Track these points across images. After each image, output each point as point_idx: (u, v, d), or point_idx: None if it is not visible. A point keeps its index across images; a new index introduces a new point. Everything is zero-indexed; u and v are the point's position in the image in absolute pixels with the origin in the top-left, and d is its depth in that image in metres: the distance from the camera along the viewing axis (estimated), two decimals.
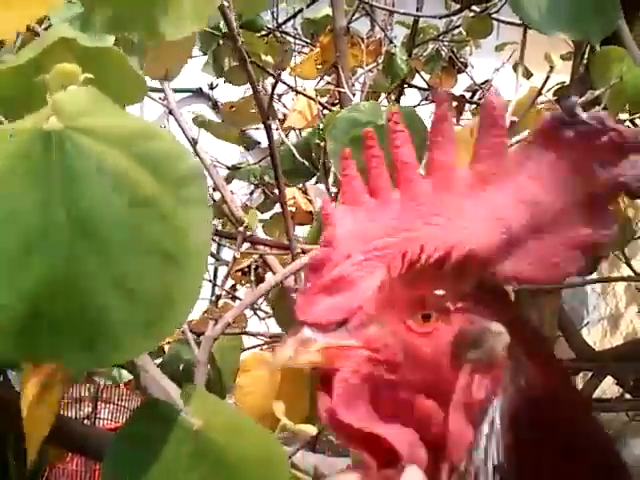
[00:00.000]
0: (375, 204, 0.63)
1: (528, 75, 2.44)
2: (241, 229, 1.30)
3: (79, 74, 0.88)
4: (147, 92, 1.01)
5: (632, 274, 2.01)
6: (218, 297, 1.25)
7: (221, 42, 2.27)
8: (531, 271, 0.61)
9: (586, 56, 1.79)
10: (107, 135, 0.74)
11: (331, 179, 1.96)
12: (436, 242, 0.59)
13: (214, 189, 1.86)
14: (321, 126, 1.93)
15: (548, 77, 1.23)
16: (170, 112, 1.72)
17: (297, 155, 2.01)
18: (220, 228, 2.27)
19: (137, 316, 0.70)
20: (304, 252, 1.40)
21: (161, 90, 1.81)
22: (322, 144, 1.61)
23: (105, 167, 0.72)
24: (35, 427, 1.00)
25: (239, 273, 2.32)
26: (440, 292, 0.59)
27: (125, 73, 0.98)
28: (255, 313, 2.32)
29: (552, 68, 1.22)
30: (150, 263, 0.71)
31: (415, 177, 0.63)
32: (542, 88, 1.36)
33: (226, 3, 1.23)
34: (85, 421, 2.25)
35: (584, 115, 0.59)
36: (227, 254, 2.67)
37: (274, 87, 1.47)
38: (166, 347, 2.05)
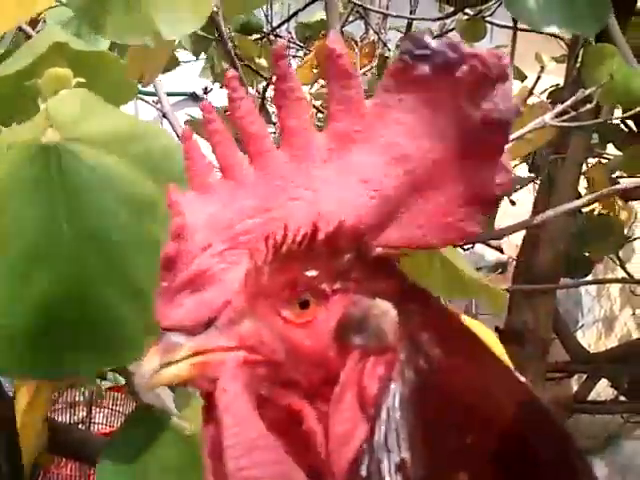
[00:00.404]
0: (229, 185, 0.55)
1: (522, 77, 2.44)
2: None
3: (71, 78, 0.88)
4: (137, 94, 1.01)
5: (626, 276, 2.02)
6: None
7: (214, 46, 2.26)
8: (423, 235, 0.53)
9: (579, 59, 1.81)
10: (103, 140, 0.74)
11: None
12: (303, 218, 0.52)
13: None
14: None
15: (539, 77, 1.23)
16: (164, 115, 1.72)
17: None
18: None
19: (148, 314, 0.70)
20: None
21: (155, 94, 1.82)
22: None
23: (106, 176, 0.72)
24: (29, 431, 1.00)
25: None
26: (312, 273, 0.51)
27: (117, 76, 0.98)
28: None
29: (543, 68, 1.22)
30: (152, 264, 0.71)
31: (268, 148, 0.54)
32: (533, 88, 1.36)
33: (215, 9, 1.23)
34: (80, 426, 2.24)
35: (434, 44, 0.50)
36: None
37: (265, 90, 1.47)
38: None
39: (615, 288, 3.85)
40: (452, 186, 0.52)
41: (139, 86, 1.91)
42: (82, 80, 0.89)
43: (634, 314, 3.72)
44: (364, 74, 2.20)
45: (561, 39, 2.59)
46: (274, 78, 0.55)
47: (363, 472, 0.49)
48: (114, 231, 0.71)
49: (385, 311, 0.52)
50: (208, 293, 0.52)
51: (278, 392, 0.51)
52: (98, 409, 2.37)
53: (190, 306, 0.52)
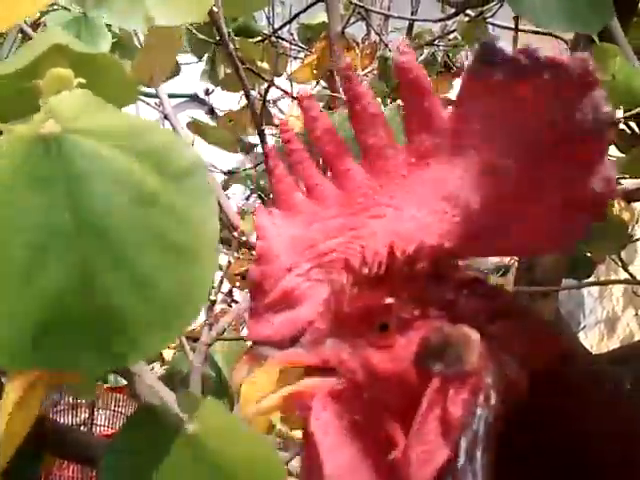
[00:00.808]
0: (312, 204, 0.56)
1: None
2: (236, 234, 1.30)
3: (72, 79, 0.88)
4: (138, 97, 1.01)
5: (629, 277, 2.01)
6: (213, 302, 1.25)
7: (216, 48, 2.27)
8: (532, 243, 0.51)
9: None
10: (106, 134, 0.74)
11: None
12: (385, 238, 0.52)
13: None
14: None
15: None
16: (165, 117, 1.72)
17: None
18: None
19: (154, 313, 0.69)
20: None
21: (157, 96, 1.82)
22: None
23: (107, 167, 0.72)
24: (14, 430, 0.99)
25: (239, 277, 2.32)
26: (391, 300, 0.51)
27: (118, 78, 0.98)
28: None
29: None
30: (164, 258, 0.70)
31: (349, 167, 0.55)
32: None
33: (215, 9, 1.23)
34: (82, 427, 2.24)
35: (506, 51, 0.48)
36: (224, 260, 2.67)
37: (266, 92, 1.48)
38: (165, 353, 2.05)
39: (617, 289, 3.85)
40: (550, 195, 0.49)
41: (141, 88, 1.92)
42: (83, 81, 0.89)
43: (637, 315, 3.71)
44: (365, 75, 2.20)
45: (562, 40, 2.59)
46: (346, 97, 0.55)
47: None
48: (119, 223, 0.70)
49: (467, 336, 0.51)
50: (294, 312, 0.54)
51: (371, 415, 0.52)
52: (100, 410, 2.37)
53: (278, 323, 0.55)
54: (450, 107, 0.52)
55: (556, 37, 2.62)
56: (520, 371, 0.50)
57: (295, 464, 1.40)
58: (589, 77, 0.47)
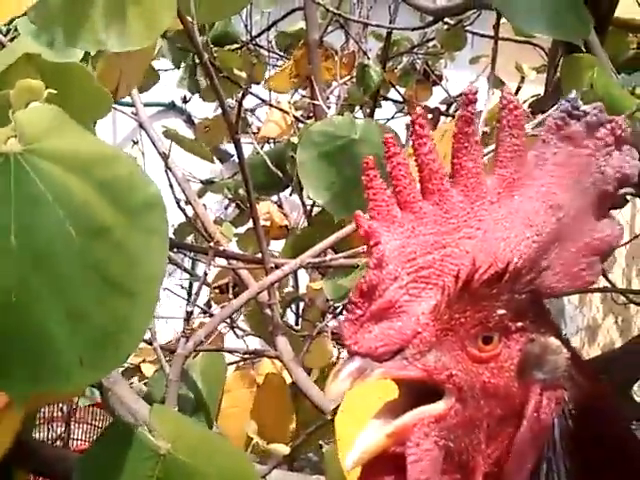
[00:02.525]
0: (408, 218, 0.59)
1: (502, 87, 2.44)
2: (212, 244, 1.28)
3: (43, 90, 0.86)
4: (112, 107, 0.99)
5: (608, 285, 2.01)
6: (190, 313, 1.23)
7: (194, 57, 2.25)
8: (557, 282, 0.58)
9: (559, 68, 1.80)
10: (67, 159, 0.72)
11: (305, 192, 1.95)
12: (480, 257, 0.56)
13: (187, 203, 1.84)
14: (295, 140, 1.92)
15: (519, 87, 1.22)
16: (140, 125, 1.70)
17: (271, 166, 1.99)
18: (195, 244, 2.25)
19: (86, 347, 0.69)
20: (277, 267, 1.38)
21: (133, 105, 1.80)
22: (296, 156, 1.60)
23: (62, 194, 0.70)
24: None
25: (217, 291, 2.29)
26: (502, 311, 0.55)
27: (89, 88, 0.96)
28: (232, 330, 2.29)
29: (523, 78, 1.21)
30: (102, 294, 0.70)
31: (446, 187, 0.59)
32: (515, 94, 1.35)
33: (189, 18, 1.22)
34: (57, 442, 2.20)
35: (587, 107, 0.58)
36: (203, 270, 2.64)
37: (241, 99, 1.46)
38: (143, 367, 2.02)
39: (597, 297, 3.86)
40: (580, 236, 0.58)
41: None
42: (54, 91, 0.87)
43: (617, 322, 3.73)
44: (344, 83, 2.19)
45: (541, 49, 2.60)
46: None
47: None
48: (63, 253, 0.69)
49: (559, 348, 0.57)
50: (396, 323, 0.55)
51: (463, 443, 0.55)
52: (77, 425, 2.33)
53: (379, 335, 0.55)
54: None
55: (535, 45, 2.63)
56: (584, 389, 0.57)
57: (276, 476, 1.39)
58: (626, 133, 0.58)
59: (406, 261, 0.57)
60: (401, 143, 0.60)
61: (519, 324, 0.56)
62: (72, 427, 2.28)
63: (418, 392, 0.56)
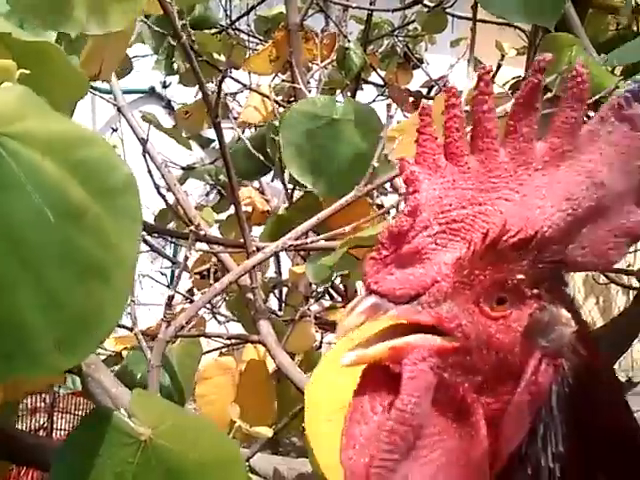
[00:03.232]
0: (451, 170, 0.60)
1: None
2: (192, 227, 1.27)
3: (15, 70, 0.84)
4: (91, 93, 0.98)
5: None
6: (171, 298, 1.22)
7: (172, 41, 2.22)
8: (584, 257, 0.59)
9: (539, 48, 1.80)
10: (41, 142, 0.71)
11: (287, 175, 1.93)
12: (512, 220, 0.57)
13: (168, 190, 1.82)
14: (277, 123, 1.90)
15: (500, 65, 1.21)
16: (119, 110, 1.68)
17: (252, 150, 1.98)
18: (177, 229, 2.23)
19: (61, 333, 0.67)
20: (259, 250, 1.37)
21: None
22: (277, 139, 1.58)
23: (37, 177, 0.69)
24: None
25: (198, 276, 2.28)
26: (520, 276, 0.57)
27: (64, 69, 0.94)
28: (214, 317, 2.28)
29: (503, 56, 1.21)
30: (77, 277, 0.68)
31: (494, 146, 0.60)
32: (494, 76, 1.35)
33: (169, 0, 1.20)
34: (40, 432, 2.18)
35: None
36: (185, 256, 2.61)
37: (221, 83, 1.44)
38: (124, 354, 2.01)
39: (579, 278, 3.88)
40: (616, 217, 0.59)
41: (98, 83, 1.87)
42: (27, 72, 0.85)
43: (598, 303, 3.75)
44: (325, 67, 2.17)
45: (522, 30, 2.59)
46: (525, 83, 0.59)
47: (529, 453, 0.56)
48: (35, 234, 0.67)
49: (568, 320, 0.58)
50: (418, 270, 0.57)
51: (458, 380, 0.57)
52: (60, 415, 2.31)
53: (400, 278, 0.56)
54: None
55: (515, 27, 2.62)
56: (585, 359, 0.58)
57: (259, 460, 1.38)
58: None
59: (440, 212, 0.59)
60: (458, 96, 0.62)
61: (535, 291, 0.57)
62: (55, 417, 2.27)
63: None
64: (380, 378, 0.57)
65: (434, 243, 0.58)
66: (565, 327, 0.58)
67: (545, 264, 0.57)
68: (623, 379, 3.44)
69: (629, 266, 2.80)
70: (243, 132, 2.30)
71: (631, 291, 2.84)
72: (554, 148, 0.60)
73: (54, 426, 2.24)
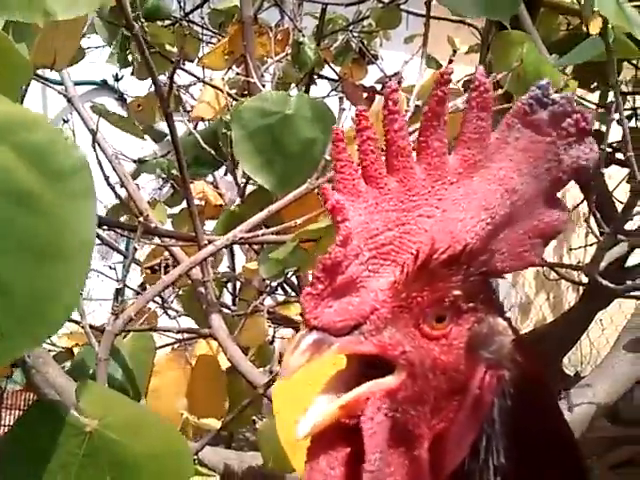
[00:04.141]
0: (373, 194, 0.59)
1: (437, 66, 2.46)
2: (141, 219, 1.25)
3: None
4: (32, 76, 0.96)
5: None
6: (118, 290, 1.20)
7: (125, 33, 2.19)
8: (502, 262, 0.60)
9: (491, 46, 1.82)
10: None
11: (240, 170, 1.93)
12: (438, 237, 0.57)
13: (121, 185, 1.80)
14: (228, 117, 1.89)
15: (451, 60, 1.23)
16: (69, 100, 1.65)
17: (204, 145, 1.96)
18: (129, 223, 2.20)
19: (11, 321, 0.66)
20: (210, 243, 1.36)
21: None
22: (230, 134, 1.57)
23: None
24: None
25: (149, 271, 2.25)
26: (457, 292, 0.57)
27: (8, 55, 0.93)
28: (165, 312, 2.26)
29: (455, 52, 1.22)
30: (27, 263, 0.67)
31: (411, 165, 0.60)
32: (446, 71, 1.36)
33: None
34: None
35: (556, 96, 0.59)
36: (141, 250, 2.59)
37: (172, 74, 1.43)
38: (75, 350, 1.98)
39: (530, 275, 3.94)
40: (529, 220, 0.60)
41: (48, 74, 1.84)
42: None
43: (548, 299, 3.82)
44: (279, 61, 2.17)
45: (475, 28, 2.62)
46: (431, 97, 0.60)
47: (472, 467, 0.57)
48: None
49: (505, 328, 0.59)
50: (355, 299, 0.56)
51: (407, 416, 0.56)
52: (8, 411, 2.28)
53: (339, 309, 0.56)
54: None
55: (469, 25, 2.64)
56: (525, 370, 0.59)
57: (208, 453, 1.37)
58: (590, 126, 0.59)
59: (368, 237, 0.58)
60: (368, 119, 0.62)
61: (471, 304, 0.58)
62: (3, 413, 2.23)
63: (366, 365, 0.57)
64: (330, 433, 0.56)
65: (367, 270, 0.57)
66: (504, 336, 0.59)
67: (476, 276, 0.58)
68: (572, 373, 3.50)
69: (579, 262, 2.85)
70: (196, 126, 2.28)
71: (581, 287, 2.90)
72: (466, 160, 0.60)
73: (2, 422, 2.20)
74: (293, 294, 2.32)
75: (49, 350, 1.88)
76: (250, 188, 2.00)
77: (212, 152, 1.95)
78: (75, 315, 1.69)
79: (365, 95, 2.63)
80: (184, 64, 2.24)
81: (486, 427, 0.58)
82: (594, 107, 2.36)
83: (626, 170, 2.08)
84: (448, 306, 0.57)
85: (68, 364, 2.01)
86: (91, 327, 1.31)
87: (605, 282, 1.53)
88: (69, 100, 1.67)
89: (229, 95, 2.09)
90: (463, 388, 0.58)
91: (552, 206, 0.60)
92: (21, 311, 0.67)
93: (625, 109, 2.31)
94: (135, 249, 1.23)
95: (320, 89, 2.62)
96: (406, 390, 0.56)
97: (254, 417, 1.39)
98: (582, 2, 1.94)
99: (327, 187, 0.60)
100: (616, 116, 1.53)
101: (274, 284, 2.27)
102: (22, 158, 0.69)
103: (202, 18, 2.51)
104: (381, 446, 0.55)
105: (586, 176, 0.61)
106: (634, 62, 2.47)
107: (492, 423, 0.58)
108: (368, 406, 0.55)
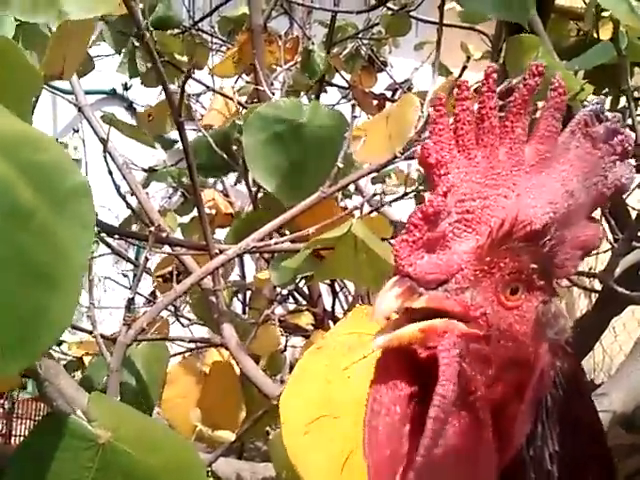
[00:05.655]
0: (463, 162, 0.62)
1: (447, 73, 2.45)
2: (152, 229, 1.25)
3: None
4: (42, 86, 0.95)
5: None
6: (131, 300, 1.19)
7: (135, 42, 2.19)
8: (563, 261, 0.61)
9: (503, 53, 1.81)
10: None
11: (251, 178, 1.92)
12: (514, 213, 0.59)
13: (132, 194, 1.80)
14: (240, 122, 1.88)
15: (465, 67, 1.22)
16: (79, 109, 1.65)
17: (215, 148, 1.95)
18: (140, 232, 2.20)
19: (5, 338, 0.65)
20: (221, 252, 1.35)
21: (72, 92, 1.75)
22: (242, 139, 1.56)
23: None
24: None
25: (160, 279, 2.25)
26: (534, 266, 0.58)
27: (19, 64, 0.92)
28: (178, 320, 2.25)
29: (469, 58, 1.21)
30: (23, 282, 0.66)
31: (497, 144, 0.62)
32: (459, 77, 1.35)
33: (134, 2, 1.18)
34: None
35: (609, 114, 0.62)
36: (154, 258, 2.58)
37: (184, 84, 1.42)
38: (85, 359, 1.97)
39: None
40: (574, 229, 0.62)
41: (59, 83, 1.83)
42: None
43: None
44: (289, 69, 2.16)
45: (485, 35, 2.60)
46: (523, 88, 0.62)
47: (531, 453, 0.58)
48: None
49: (566, 314, 0.61)
50: (443, 256, 0.58)
51: (473, 373, 0.57)
52: (20, 420, 2.27)
53: (430, 262, 0.57)
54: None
55: (479, 32, 2.63)
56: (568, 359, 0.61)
57: (221, 465, 1.36)
58: (630, 148, 0.63)
59: (457, 200, 0.60)
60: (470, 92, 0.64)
61: (542, 282, 0.59)
62: (14, 423, 2.22)
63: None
64: (397, 367, 0.58)
65: (452, 232, 0.59)
66: (566, 321, 0.61)
67: (548, 257, 0.59)
68: None
69: (591, 269, 2.83)
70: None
71: (593, 294, 2.87)
72: (539, 154, 0.62)
73: (13, 432, 2.20)
74: (304, 303, 2.31)
75: (59, 359, 1.88)
76: (262, 195, 1.99)
77: (224, 155, 1.93)
78: (86, 324, 1.68)
79: (375, 102, 2.62)
80: (194, 73, 2.23)
81: (542, 413, 0.59)
82: None
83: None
84: (524, 278, 0.59)
85: (78, 373, 2.01)
86: (102, 337, 1.31)
87: (620, 289, 1.51)
88: (79, 109, 1.66)
89: (239, 104, 2.08)
90: (529, 363, 0.59)
91: (590, 220, 0.63)
92: (15, 331, 0.66)
93: (638, 114, 2.29)
94: (146, 259, 1.22)
95: (330, 97, 2.61)
96: (477, 344, 0.57)
97: (267, 428, 1.38)
98: (587, 5, 1.93)
99: (427, 143, 0.62)
100: (629, 121, 1.52)
101: (285, 292, 2.26)
102: (26, 177, 0.68)
103: (212, 27, 2.51)
104: (455, 382, 0.56)
105: (621, 196, 0.64)
106: None
107: (546, 410, 0.59)
108: (446, 338, 0.56)
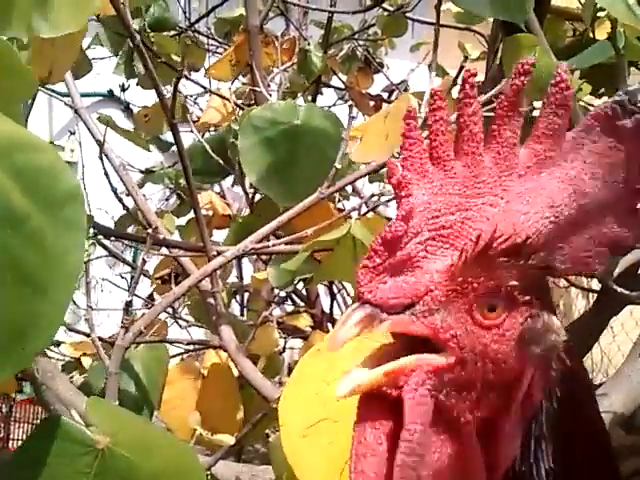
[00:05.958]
0: (438, 175, 0.59)
1: (444, 74, 2.45)
2: (150, 231, 1.24)
3: None
4: (37, 88, 0.95)
5: None
6: (129, 303, 1.19)
7: (130, 43, 2.18)
8: (564, 263, 0.58)
9: (499, 55, 1.81)
10: None
11: (247, 181, 1.91)
12: (500, 226, 0.56)
13: (128, 194, 1.79)
14: (236, 126, 1.88)
15: (462, 67, 1.21)
16: (76, 111, 1.64)
17: (211, 153, 1.94)
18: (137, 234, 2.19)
19: None
20: (219, 254, 1.34)
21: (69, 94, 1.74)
22: (237, 143, 1.56)
23: None
24: None
25: (159, 281, 2.24)
26: (514, 282, 0.56)
27: (13, 66, 0.92)
28: (176, 321, 2.24)
29: (466, 58, 1.20)
30: (14, 288, 0.65)
31: (480, 151, 0.59)
32: (457, 77, 1.35)
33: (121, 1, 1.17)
34: None
35: None
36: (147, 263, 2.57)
37: (177, 83, 1.41)
38: (83, 359, 1.97)
39: None
40: (598, 226, 0.58)
41: (55, 85, 1.83)
42: None
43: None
44: (285, 70, 2.16)
45: (482, 36, 2.60)
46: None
47: (524, 469, 0.56)
48: None
49: (559, 328, 0.58)
50: (410, 278, 0.56)
51: (453, 401, 0.55)
52: (17, 424, 2.26)
53: (393, 286, 0.55)
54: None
55: (475, 32, 2.63)
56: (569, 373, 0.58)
57: (221, 468, 1.36)
58: None
59: (429, 218, 0.58)
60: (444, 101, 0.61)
61: (526, 298, 0.57)
62: (12, 427, 2.21)
63: (409, 349, 0.56)
64: (378, 405, 0.56)
65: (425, 250, 0.57)
66: (557, 336, 0.58)
67: (534, 271, 0.57)
68: None
69: None
70: (203, 135, 2.28)
71: (591, 294, 2.87)
72: (536, 155, 0.59)
73: (11, 436, 2.19)
74: (302, 304, 2.31)
75: (57, 359, 1.87)
76: (259, 196, 1.98)
77: (220, 161, 1.93)
78: (84, 327, 1.67)
79: (372, 103, 2.62)
80: (190, 74, 2.23)
81: (534, 429, 0.57)
82: None
83: None
84: (503, 296, 0.56)
85: (76, 374, 2.00)
86: (100, 339, 1.30)
87: (620, 289, 1.50)
88: (76, 111, 1.66)
89: (236, 105, 2.08)
90: (512, 382, 0.57)
91: (628, 217, 0.58)
92: (3, 337, 0.65)
93: None
94: (144, 261, 1.21)
95: (326, 98, 2.61)
96: (453, 373, 0.55)
97: (267, 430, 1.37)
98: (584, 5, 1.93)
99: (394, 162, 0.59)
100: None
101: (283, 294, 2.26)
102: (19, 181, 0.67)
103: (208, 28, 2.51)
104: (422, 419, 0.54)
105: None
106: None
107: (540, 425, 0.57)
108: (412, 377, 0.55)
